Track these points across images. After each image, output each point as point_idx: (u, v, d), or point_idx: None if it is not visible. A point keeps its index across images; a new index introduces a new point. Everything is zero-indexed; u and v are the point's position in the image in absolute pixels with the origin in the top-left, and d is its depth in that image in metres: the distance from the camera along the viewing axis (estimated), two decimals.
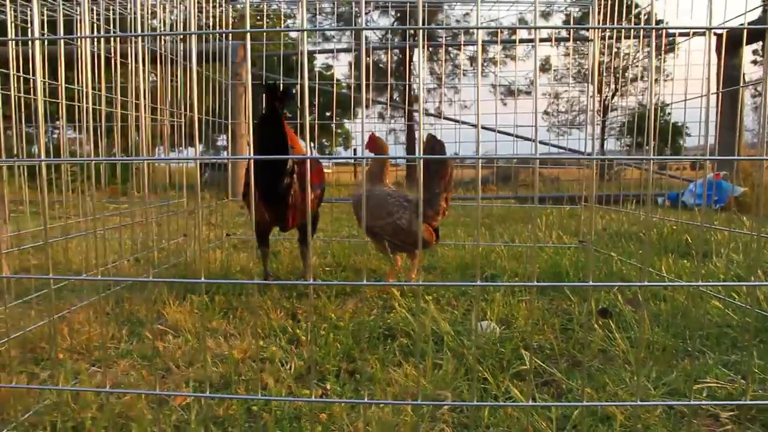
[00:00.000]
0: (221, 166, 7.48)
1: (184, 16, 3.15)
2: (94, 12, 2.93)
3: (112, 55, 2.68)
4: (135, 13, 2.87)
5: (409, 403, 1.51)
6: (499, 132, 4.85)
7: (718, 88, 2.57)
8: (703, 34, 3.77)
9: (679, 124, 4.12)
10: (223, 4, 4.04)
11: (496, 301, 2.40)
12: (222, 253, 3.55)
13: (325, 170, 3.06)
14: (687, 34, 3.67)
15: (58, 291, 1.62)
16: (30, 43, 2.20)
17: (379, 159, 3.03)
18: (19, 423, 1.38)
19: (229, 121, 3.98)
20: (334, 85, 6.30)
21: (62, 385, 1.57)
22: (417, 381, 1.67)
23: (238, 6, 4.60)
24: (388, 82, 4.67)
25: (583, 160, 4.82)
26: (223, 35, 4.24)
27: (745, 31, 2.47)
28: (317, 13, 5.70)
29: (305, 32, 0.99)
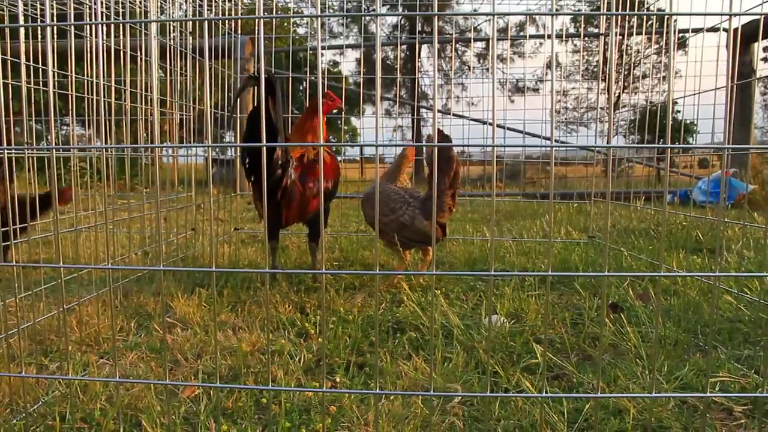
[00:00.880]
0: (229, 162, 7.48)
1: (193, 8, 3.14)
2: (103, 5, 2.92)
3: (121, 47, 2.67)
4: (146, 6, 2.87)
5: (420, 393, 1.50)
6: (508, 129, 4.84)
7: (728, 83, 2.54)
8: (716, 30, 3.73)
9: (689, 121, 4.10)
10: None
11: (506, 295, 2.39)
12: (230, 247, 3.55)
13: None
14: (699, 29, 3.63)
15: (66, 284, 1.62)
16: (40, 31, 2.20)
17: (398, 158, 3.02)
18: (28, 413, 1.38)
19: (238, 115, 3.98)
20: (343, 81, 6.29)
21: (71, 377, 1.57)
22: (427, 374, 1.66)
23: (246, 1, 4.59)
24: (397, 76, 4.65)
25: (595, 152, 4.80)
26: (233, 28, 4.22)
27: (761, 23, 2.43)
28: (325, 8, 5.68)
29: (319, 18, 0.98)
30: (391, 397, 1.52)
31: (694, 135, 4.87)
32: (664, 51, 4.39)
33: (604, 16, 4.18)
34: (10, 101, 1.48)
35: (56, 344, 1.92)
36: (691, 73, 3.46)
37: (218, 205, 4.14)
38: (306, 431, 1.34)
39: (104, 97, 2.17)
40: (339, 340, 1.94)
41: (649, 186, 5.85)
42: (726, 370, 1.64)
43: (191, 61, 3.27)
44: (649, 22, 4.15)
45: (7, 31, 1.42)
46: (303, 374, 1.70)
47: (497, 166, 6.55)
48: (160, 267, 1.13)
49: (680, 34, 5.22)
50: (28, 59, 2.25)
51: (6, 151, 1.29)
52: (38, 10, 3.17)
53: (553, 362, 1.77)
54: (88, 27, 2.44)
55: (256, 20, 1.03)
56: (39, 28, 2.25)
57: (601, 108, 4.88)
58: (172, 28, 3.06)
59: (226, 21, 3.95)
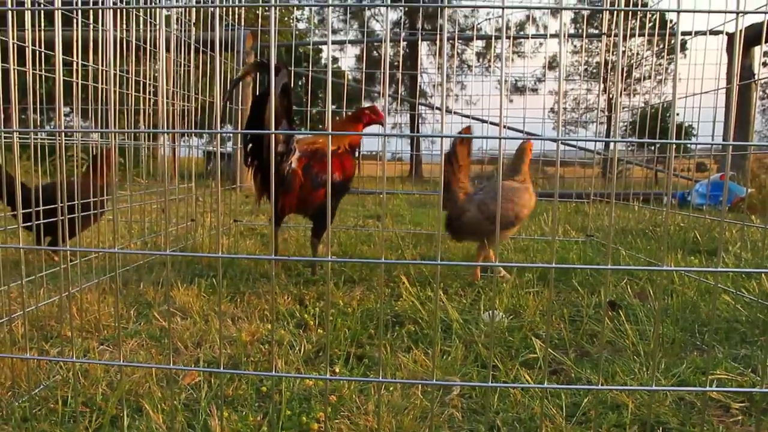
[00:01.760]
0: (227, 155, 7.48)
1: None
2: None
3: (124, 37, 2.67)
4: None
5: (422, 382, 1.51)
6: (509, 128, 4.84)
7: (734, 81, 2.56)
8: (718, 33, 3.74)
9: (687, 124, 4.11)
10: None
11: (505, 291, 2.40)
12: (229, 239, 3.55)
13: None
14: (701, 31, 3.65)
15: (66, 271, 1.62)
16: (43, 16, 2.20)
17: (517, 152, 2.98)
18: (30, 396, 1.38)
19: (239, 107, 3.98)
20: (345, 78, 6.29)
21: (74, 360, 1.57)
22: (426, 366, 1.67)
23: None
24: (400, 72, 4.65)
25: (594, 153, 4.81)
26: (235, 21, 4.22)
27: (766, 27, 2.44)
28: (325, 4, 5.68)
29: (329, 8, 0.98)
30: (391, 388, 1.53)
31: (692, 139, 4.89)
32: (665, 53, 4.41)
33: (606, 16, 4.19)
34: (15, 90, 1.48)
35: (56, 330, 1.92)
36: (689, 76, 3.48)
37: (215, 197, 4.14)
38: (307, 419, 1.35)
39: (111, 86, 2.17)
40: (338, 332, 1.95)
41: (646, 188, 5.88)
42: (723, 369, 1.65)
43: (195, 53, 3.27)
44: (650, 24, 4.16)
45: (13, 18, 1.42)
46: (303, 364, 1.71)
47: (495, 166, 6.55)
48: (166, 252, 1.14)
49: (681, 36, 5.24)
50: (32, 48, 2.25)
51: (14, 134, 1.30)
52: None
53: (552, 357, 1.78)
54: (92, 15, 2.44)
55: (271, 9, 1.03)
56: (44, 15, 2.25)
57: (601, 110, 4.88)
58: (176, 18, 3.06)
59: (229, 12, 3.95)
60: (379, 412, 1.32)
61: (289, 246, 3.52)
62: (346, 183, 2.91)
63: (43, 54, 2.26)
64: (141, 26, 2.87)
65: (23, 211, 1.94)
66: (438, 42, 5.61)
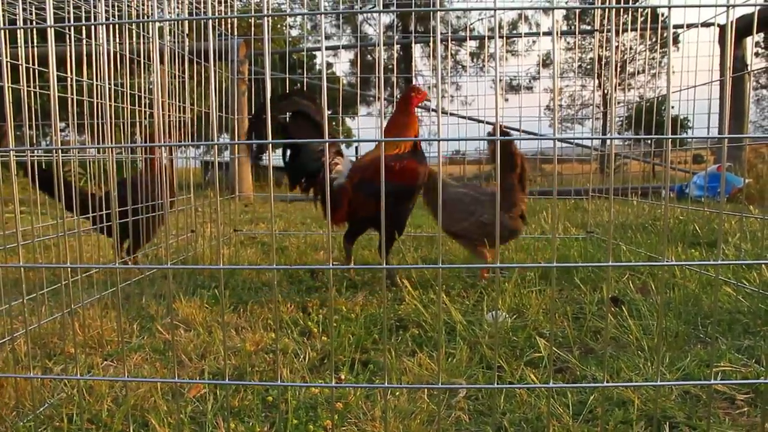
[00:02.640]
0: (225, 165, 7.48)
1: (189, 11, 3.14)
2: (102, 8, 2.92)
3: (118, 50, 2.68)
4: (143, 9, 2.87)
5: (428, 386, 1.51)
6: (506, 127, 4.84)
7: (728, 73, 2.57)
8: (709, 25, 3.75)
9: (683, 116, 4.12)
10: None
11: (507, 291, 2.40)
12: (229, 249, 3.55)
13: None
14: (693, 24, 3.66)
15: (67, 287, 1.62)
16: (35, 34, 2.20)
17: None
18: (35, 415, 1.38)
19: (235, 116, 3.98)
20: (340, 83, 6.30)
21: (78, 377, 1.57)
22: (431, 370, 1.67)
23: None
24: (394, 75, 4.66)
25: (591, 148, 4.82)
26: (228, 30, 4.23)
27: (756, 17, 2.45)
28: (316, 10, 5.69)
29: (323, 15, 0.99)
30: (397, 393, 1.53)
31: (688, 131, 4.90)
32: (659, 47, 4.42)
33: (598, 12, 4.20)
34: (10, 106, 1.48)
35: (59, 347, 1.92)
36: (683, 69, 3.49)
37: (214, 208, 4.14)
38: (314, 427, 1.35)
39: (106, 100, 2.17)
40: (342, 339, 1.95)
41: (644, 182, 5.88)
42: (727, 360, 1.65)
43: (189, 64, 3.28)
44: (642, 18, 4.17)
45: (6, 35, 1.42)
46: (308, 372, 1.71)
47: (492, 165, 6.56)
48: (167, 266, 1.14)
49: (673, 30, 5.25)
50: (26, 64, 2.26)
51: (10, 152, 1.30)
52: (33, 14, 3.17)
53: (556, 356, 1.78)
54: (85, 30, 2.44)
55: (265, 19, 1.03)
56: (37, 31, 2.25)
57: (596, 105, 4.90)
58: (169, 30, 3.06)
59: (222, 22, 3.96)
60: (386, 417, 1.32)
61: (289, 254, 3.52)
62: (408, 188, 2.70)
63: (36, 70, 2.26)
64: (134, 39, 2.88)
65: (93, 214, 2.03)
66: (432, 44, 5.62)
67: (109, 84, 2.41)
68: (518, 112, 4.50)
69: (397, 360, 1.76)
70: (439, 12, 1.11)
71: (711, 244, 3.28)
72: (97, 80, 2.45)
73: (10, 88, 1.41)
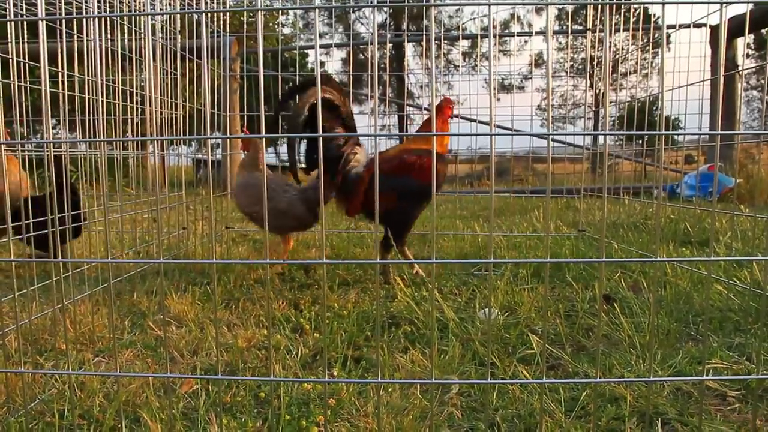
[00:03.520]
0: (217, 163, 7.45)
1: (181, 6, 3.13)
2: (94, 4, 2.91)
3: (110, 46, 2.66)
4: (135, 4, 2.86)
5: (420, 381, 1.51)
6: (497, 126, 4.85)
7: (720, 71, 2.59)
8: (701, 26, 3.77)
9: (673, 117, 4.14)
10: None
11: (500, 288, 2.40)
12: (221, 246, 3.54)
13: None
14: (684, 24, 3.68)
15: (58, 283, 1.61)
16: (26, 29, 2.18)
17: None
18: (27, 411, 1.37)
19: (227, 114, 3.96)
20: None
21: (70, 372, 1.56)
22: (423, 366, 1.67)
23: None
24: (387, 73, 4.66)
25: (584, 148, 4.83)
26: (220, 28, 4.21)
27: (747, 17, 2.46)
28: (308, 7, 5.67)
29: (316, 11, 0.98)
30: (390, 389, 1.52)
31: (679, 129, 4.93)
32: (651, 47, 4.44)
33: (590, 12, 4.21)
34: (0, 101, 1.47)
35: (50, 343, 1.90)
36: (674, 69, 3.51)
37: (206, 205, 4.13)
38: (306, 423, 1.35)
39: (100, 96, 2.16)
40: (335, 335, 1.94)
41: (636, 182, 5.91)
42: (719, 357, 1.66)
43: (180, 61, 3.26)
44: (634, 19, 4.19)
45: None
46: (300, 369, 1.70)
47: (484, 165, 6.58)
48: (159, 260, 1.13)
49: (666, 30, 5.28)
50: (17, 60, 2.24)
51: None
52: (24, 10, 3.15)
53: (549, 353, 1.78)
54: (76, 26, 2.43)
55: (256, 14, 1.03)
56: (27, 27, 2.24)
57: (588, 105, 4.90)
58: (161, 26, 3.05)
59: (214, 19, 3.94)
60: (378, 413, 1.32)
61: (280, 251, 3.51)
62: (420, 183, 2.61)
63: (27, 66, 2.24)
64: (126, 35, 2.86)
65: None
66: (424, 42, 5.62)
67: (102, 80, 2.39)
68: (510, 111, 4.50)
69: (389, 357, 1.76)
70: (432, 8, 1.11)
71: (702, 243, 3.30)
72: (88, 76, 2.44)
73: (0, 84, 1.40)
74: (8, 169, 2.33)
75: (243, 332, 2.00)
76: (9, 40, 1.64)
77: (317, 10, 1.00)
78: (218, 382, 1.47)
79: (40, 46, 1.28)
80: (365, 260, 2.58)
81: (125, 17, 2.85)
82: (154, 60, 2.85)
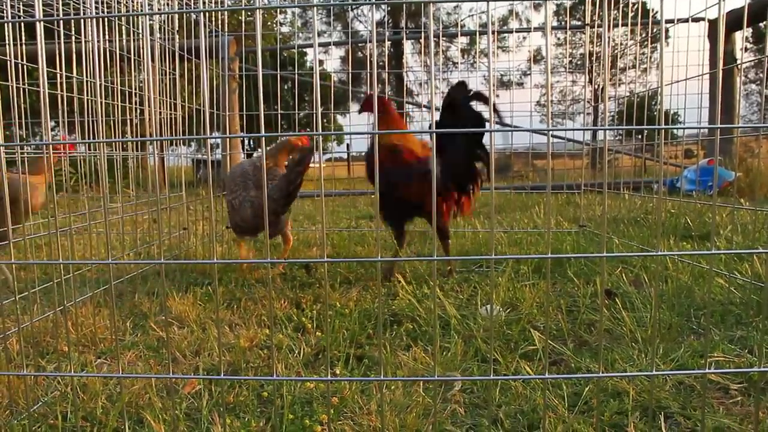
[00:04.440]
0: (216, 163, 7.46)
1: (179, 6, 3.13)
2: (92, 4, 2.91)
3: (108, 47, 2.66)
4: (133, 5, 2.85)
5: (423, 378, 1.51)
6: (497, 123, 4.85)
7: (718, 65, 2.58)
8: (700, 20, 3.76)
9: (672, 111, 4.14)
10: None
11: (501, 285, 2.40)
12: (222, 246, 3.54)
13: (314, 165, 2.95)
14: (683, 19, 3.68)
15: (59, 285, 1.61)
16: (24, 31, 2.18)
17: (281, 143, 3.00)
18: (29, 414, 1.37)
19: (226, 113, 3.96)
20: (331, 81, 6.29)
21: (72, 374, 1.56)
22: (426, 363, 1.67)
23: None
24: (386, 71, 4.65)
25: (583, 143, 4.83)
26: (219, 27, 4.21)
27: (746, 10, 2.46)
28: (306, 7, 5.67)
29: (315, 9, 0.98)
30: (392, 387, 1.52)
31: (678, 123, 4.93)
32: (649, 42, 4.43)
33: (589, 7, 4.20)
34: None
35: (52, 345, 1.90)
36: (673, 64, 3.51)
37: (206, 205, 4.14)
38: (310, 422, 1.35)
39: (96, 97, 2.16)
40: (337, 334, 1.94)
41: (636, 177, 5.91)
42: (721, 351, 1.66)
43: (179, 61, 3.26)
44: (633, 14, 4.19)
45: None
46: (303, 368, 1.70)
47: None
48: (160, 261, 1.13)
49: (665, 24, 5.27)
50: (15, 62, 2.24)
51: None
52: (21, 11, 3.15)
53: (551, 348, 1.78)
54: (74, 27, 2.43)
55: (254, 13, 1.03)
56: (24, 29, 2.24)
57: (587, 100, 4.91)
58: (159, 26, 3.05)
59: (212, 19, 3.94)
60: (381, 411, 1.32)
61: (280, 249, 3.51)
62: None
63: (25, 67, 2.24)
64: (124, 36, 2.86)
65: None
66: (423, 40, 5.61)
67: (100, 81, 2.39)
68: (509, 108, 4.50)
69: (392, 354, 1.76)
70: (431, 6, 1.11)
71: (702, 237, 3.30)
72: (86, 77, 2.43)
73: None
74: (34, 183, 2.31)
75: (245, 332, 2.00)
76: (6, 42, 1.64)
77: (315, 8, 1.00)
78: (221, 382, 1.47)
79: (38, 47, 1.28)
80: (366, 258, 2.58)
81: (123, 17, 2.85)
82: (153, 60, 2.84)
